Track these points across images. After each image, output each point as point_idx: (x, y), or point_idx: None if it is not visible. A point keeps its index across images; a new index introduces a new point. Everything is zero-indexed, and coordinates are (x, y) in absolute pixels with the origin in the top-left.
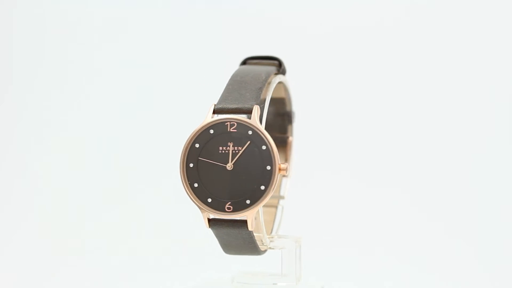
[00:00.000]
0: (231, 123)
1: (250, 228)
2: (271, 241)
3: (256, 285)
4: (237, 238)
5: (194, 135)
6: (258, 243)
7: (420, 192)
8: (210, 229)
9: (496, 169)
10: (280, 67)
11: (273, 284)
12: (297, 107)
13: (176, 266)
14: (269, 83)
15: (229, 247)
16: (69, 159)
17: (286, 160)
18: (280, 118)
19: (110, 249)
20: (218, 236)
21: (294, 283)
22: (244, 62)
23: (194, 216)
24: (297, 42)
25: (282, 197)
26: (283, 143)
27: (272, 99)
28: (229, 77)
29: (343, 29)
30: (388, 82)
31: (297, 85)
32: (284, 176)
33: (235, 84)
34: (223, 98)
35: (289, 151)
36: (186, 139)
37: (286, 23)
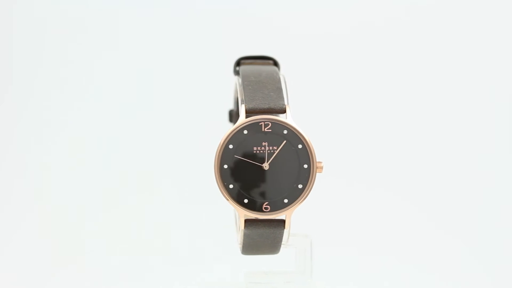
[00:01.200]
0: (266, 123)
1: (287, 227)
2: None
3: (271, 284)
4: (268, 238)
5: (228, 136)
6: None
7: (424, 194)
8: (244, 230)
9: (498, 170)
10: (276, 67)
11: (287, 282)
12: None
13: (176, 266)
14: None
15: (253, 247)
16: (69, 159)
17: None
18: None
19: (110, 249)
20: (249, 237)
21: (310, 279)
22: (238, 62)
23: (194, 216)
24: (292, 42)
25: None
26: None
27: None
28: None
29: (342, 28)
30: (388, 82)
31: (295, 85)
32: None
33: (254, 85)
34: (250, 98)
35: None
36: (220, 141)
37: (281, 22)
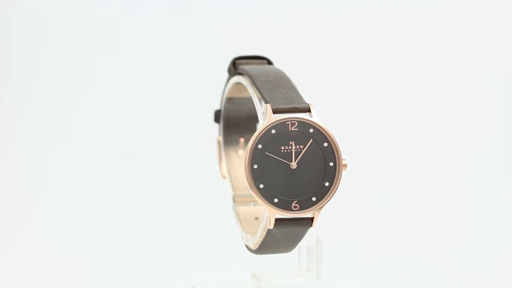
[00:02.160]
0: (292, 122)
1: (314, 226)
2: None
3: (286, 282)
4: (292, 236)
5: (257, 136)
6: None
7: (427, 201)
8: (273, 229)
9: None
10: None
11: (294, 280)
12: None
13: (177, 267)
14: None
15: (272, 246)
16: (69, 160)
17: None
18: (253, 119)
19: (111, 249)
20: (273, 236)
21: (318, 278)
22: (233, 62)
23: (194, 217)
24: (288, 40)
25: None
26: None
27: (243, 98)
28: (222, 78)
29: (340, 28)
30: (387, 82)
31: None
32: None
33: (268, 84)
34: (272, 98)
35: None
36: (250, 141)
37: (277, 21)
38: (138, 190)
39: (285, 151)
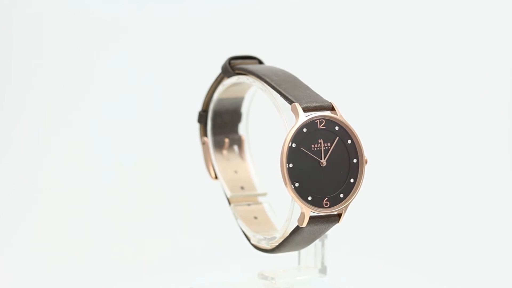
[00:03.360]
0: (320, 120)
1: (341, 222)
2: None
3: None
4: (318, 233)
5: (291, 135)
6: None
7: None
8: (306, 227)
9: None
10: None
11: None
12: None
13: (177, 268)
14: None
15: (295, 244)
16: (69, 160)
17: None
18: (237, 117)
19: (114, 250)
20: (301, 234)
21: (322, 274)
22: (229, 62)
23: (194, 216)
24: (278, 39)
25: (263, 194)
26: (238, 142)
27: (232, 99)
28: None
29: (339, 28)
30: (386, 83)
31: None
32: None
33: (285, 84)
34: (297, 97)
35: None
36: (284, 140)
37: (267, 19)
38: (138, 190)
39: (315, 149)
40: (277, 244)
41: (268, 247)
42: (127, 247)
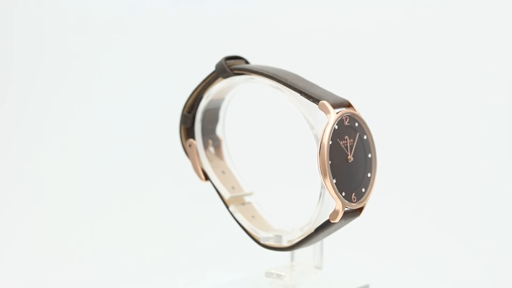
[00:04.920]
0: (345, 117)
1: (360, 215)
2: None
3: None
4: (339, 228)
5: (329, 133)
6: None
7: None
8: (338, 222)
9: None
10: None
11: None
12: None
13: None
14: None
15: (313, 240)
16: (70, 161)
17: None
18: (216, 118)
19: (113, 250)
20: (328, 229)
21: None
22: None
23: (194, 217)
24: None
25: (250, 194)
26: (217, 143)
27: (216, 100)
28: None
29: (338, 29)
30: (386, 82)
31: None
32: None
33: (302, 83)
34: (320, 96)
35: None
36: (323, 137)
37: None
38: (139, 190)
39: (343, 145)
40: (299, 240)
41: (286, 244)
42: (130, 247)
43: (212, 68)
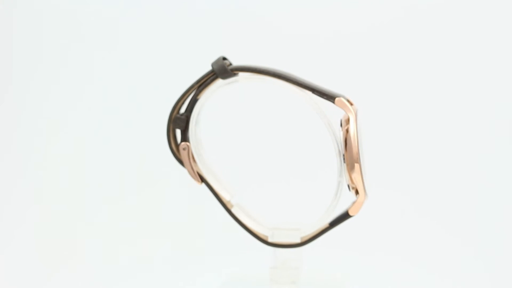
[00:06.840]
0: (356, 112)
1: None
2: None
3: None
4: None
5: (355, 127)
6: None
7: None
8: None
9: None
10: None
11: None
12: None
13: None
14: None
15: (323, 234)
16: (69, 160)
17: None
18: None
19: (113, 250)
20: (340, 223)
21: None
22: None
23: (193, 217)
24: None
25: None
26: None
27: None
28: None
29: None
30: (385, 82)
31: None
32: None
33: (306, 81)
34: (332, 93)
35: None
36: (350, 130)
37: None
38: (139, 190)
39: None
40: (313, 235)
41: (297, 241)
42: (130, 244)
43: (199, 69)
